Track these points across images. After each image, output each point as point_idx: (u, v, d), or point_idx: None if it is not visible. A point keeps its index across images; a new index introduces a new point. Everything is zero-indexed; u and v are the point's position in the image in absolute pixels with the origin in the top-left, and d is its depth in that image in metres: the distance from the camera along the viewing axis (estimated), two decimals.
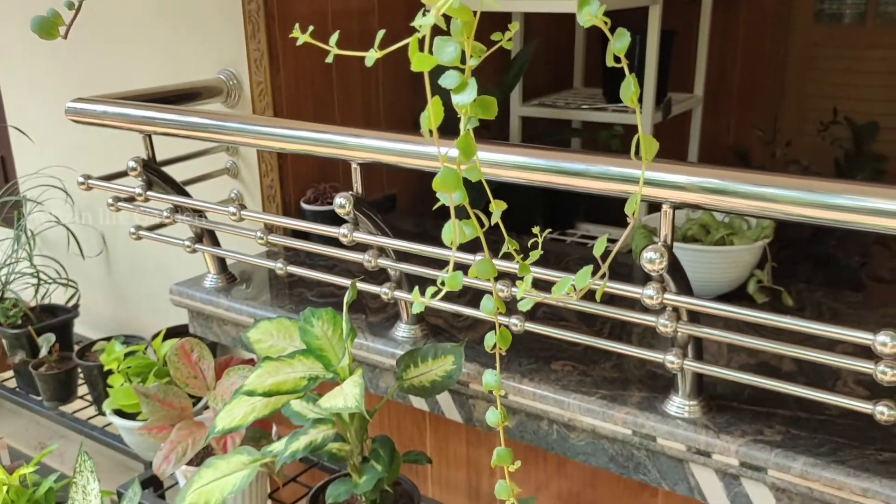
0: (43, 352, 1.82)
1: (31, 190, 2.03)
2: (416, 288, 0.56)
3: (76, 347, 1.83)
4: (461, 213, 0.49)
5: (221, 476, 1.07)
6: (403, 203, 1.92)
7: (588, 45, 2.39)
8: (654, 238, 1.24)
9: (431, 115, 0.45)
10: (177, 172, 1.44)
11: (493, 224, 0.53)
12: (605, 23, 0.46)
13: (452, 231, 0.49)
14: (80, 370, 1.80)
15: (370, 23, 1.77)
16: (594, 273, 0.58)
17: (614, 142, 2.07)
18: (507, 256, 0.73)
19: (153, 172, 1.37)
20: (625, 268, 1.42)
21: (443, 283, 0.49)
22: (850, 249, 2.03)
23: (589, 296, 0.70)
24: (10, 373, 1.98)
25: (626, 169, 0.87)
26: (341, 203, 1.09)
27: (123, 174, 1.41)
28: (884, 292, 1.98)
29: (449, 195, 0.47)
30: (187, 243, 1.41)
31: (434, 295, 0.50)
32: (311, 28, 0.49)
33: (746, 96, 2.71)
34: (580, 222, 2.21)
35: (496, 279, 0.96)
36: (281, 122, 1.19)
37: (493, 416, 0.71)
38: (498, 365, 0.73)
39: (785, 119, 2.70)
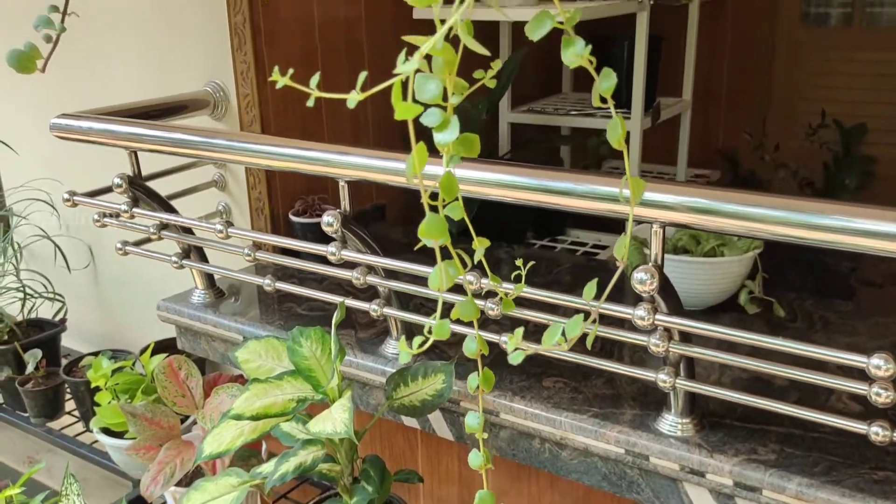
0: (29, 368, 1.80)
1: (17, 203, 2.01)
2: (403, 338, 0.56)
3: (63, 362, 1.81)
4: (446, 254, 0.48)
5: (210, 499, 1.06)
6: (393, 212, 1.91)
7: None
8: (644, 250, 1.24)
9: (416, 161, 0.44)
10: (164, 185, 1.43)
11: (475, 263, 0.52)
12: (591, 62, 0.45)
13: (439, 277, 0.48)
14: (67, 386, 1.79)
15: (357, 32, 1.76)
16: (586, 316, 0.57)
17: (603, 148, 2.06)
18: (493, 283, 0.72)
19: (139, 189, 1.35)
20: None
21: (430, 331, 0.48)
22: (840, 255, 2.03)
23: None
24: None
25: (614, 188, 0.86)
26: (329, 221, 1.08)
27: (109, 190, 1.40)
28: (875, 297, 1.98)
29: (434, 241, 0.46)
30: (174, 259, 1.39)
31: (421, 345, 0.49)
32: (290, 71, 0.48)
33: (735, 99, 2.71)
34: (571, 228, 2.21)
35: (485, 296, 0.94)
36: (268, 139, 1.18)
37: (476, 460, 0.70)
38: (480, 405, 0.72)
39: (773, 121, 2.70)
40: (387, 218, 1.90)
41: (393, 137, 1.83)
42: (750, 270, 1.29)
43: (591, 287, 0.59)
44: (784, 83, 2.70)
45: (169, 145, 1.25)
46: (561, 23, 0.44)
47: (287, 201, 1.65)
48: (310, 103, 0.47)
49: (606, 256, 2.03)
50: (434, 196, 0.49)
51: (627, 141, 1.97)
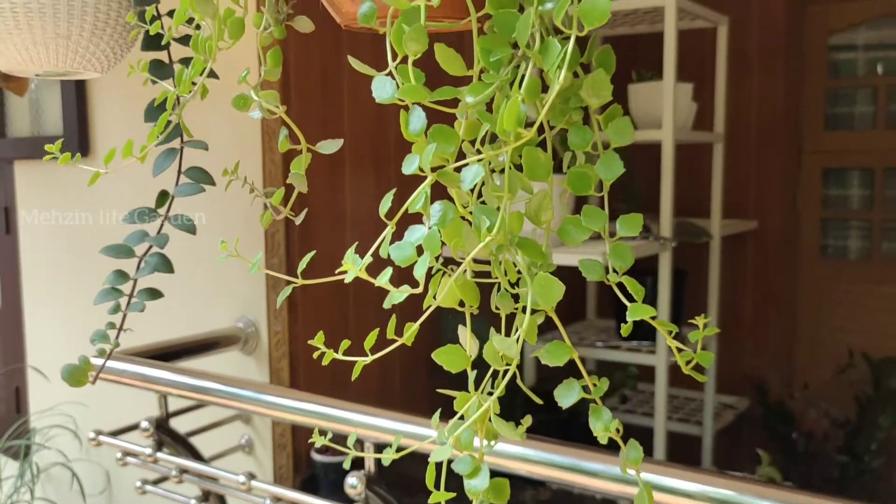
0: None
1: (42, 425, 2.02)
2: None
3: None
4: None
5: None
6: None
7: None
8: None
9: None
10: (189, 419, 1.44)
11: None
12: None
13: None
14: None
15: None
16: None
17: (629, 383, 2.06)
18: None
19: (165, 432, 1.36)
20: None
21: None
22: None
23: None
24: None
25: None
26: (353, 483, 1.07)
27: (135, 427, 1.41)
28: None
29: None
30: (194, 502, 1.37)
31: None
32: (320, 335, 0.50)
33: (760, 332, 2.72)
34: None
35: None
36: (295, 393, 1.19)
37: None
38: None
39: (800, 353, 2.70)
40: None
41: (421, 404, 1.85)
42: None
43: None
44: (808, 314, 2.72)
45: (199, 393, 1.27)
46: (587, 391, 0.46)
47: (309, 436, 1.64)
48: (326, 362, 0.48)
49: None
50: None
51: (652, 377, 1.94)
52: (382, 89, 0.52)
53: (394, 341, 0.48)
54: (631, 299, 0.48)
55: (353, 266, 0.47)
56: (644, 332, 2.03)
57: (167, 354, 1.49)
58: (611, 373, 2.14)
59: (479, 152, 0.52)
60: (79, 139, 1.89)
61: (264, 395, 1.20)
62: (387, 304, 0.46)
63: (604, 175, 0.51)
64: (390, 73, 0.53)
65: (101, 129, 1.88)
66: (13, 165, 2.09)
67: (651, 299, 2.02)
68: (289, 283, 0.57)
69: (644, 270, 2.06)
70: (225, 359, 1.63)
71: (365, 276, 0.47)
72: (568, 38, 0.48)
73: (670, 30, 1.89)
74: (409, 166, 0.46)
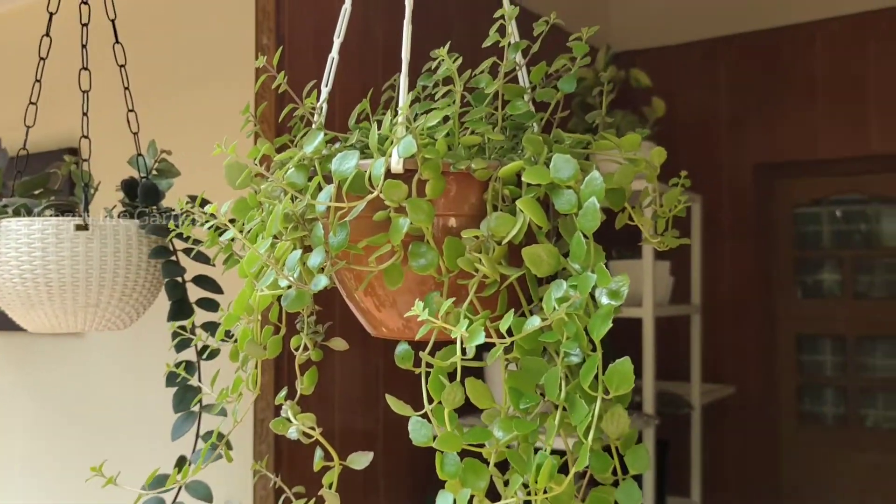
0: None
1: None
2: None
3: None
4: None
5: None
6: None
7: None
8: None
9: None
10: None
11: None
12: None
13: None
14: None
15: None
16: None
17: None
18: None
19: None
20: None
21: None
22: None
23: None
24: None
25: None
26: None
27: None
28: None
29: None
30: None
31: None
32: None
33: (744, 492, 2.70)
34: None
35: None
36: None
37: None
38: None
39: None
40: None
41: None
42: None
43: None
44: (790, 480, 2.72)
45: None
46: None
47: None
48: None
49: None
50: None
51: None
52: (419, 432, 0.56)
53: None
54: None
55: None
56: None
57: None
58: None
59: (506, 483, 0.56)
60: None
61: None
62: None
63: (623, 501, 0.55)
64: (425, 415, 0.57)
65: None
66: None
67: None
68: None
69: None
70: None
71: None
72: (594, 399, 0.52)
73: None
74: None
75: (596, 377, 0.53)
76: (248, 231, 0.63)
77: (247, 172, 0.66)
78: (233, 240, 0.63)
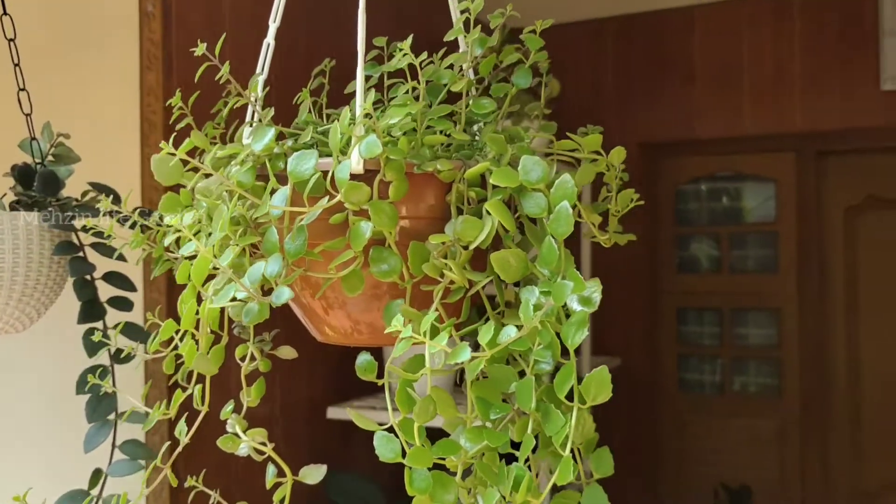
0: None
1: None
2: None
3: None
4: None
5: None
6: None
7: None
8: None
9: None
10: None
11: None
12: None
13: None
14: None
15: None
16: None
17: None
18: None
19: None
20: None
21: None
22: None
23: None
24: None
25: None
26: None
27: None
28: None
29: None
30: None
31: None
32: None
33: (629, 467, 2.81)
34: None
35: None
36: None
37: None
38: None
39: (666, 489, 2.82)
40: None
41: None
42: None
43: None
44: (670, 446, 2.86)
45: None
46: None
47: None
48: None
49: None
50: None
51: None
52: (385, 448, 0.54)
53: None
54: None
55: None
56: None
57: None
58: None
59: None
60: None
61: None
62: None
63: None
64: (391, 429, 0.55)
65: None
66: None
67: None
68: None
69: None
70: None
71: None
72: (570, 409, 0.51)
73: None
74: None
75: (571, 386, 0.52)
76: (187, 234, 0.58)
77: (178, 167, 0.61)
78: (177, 241, 0.58)
